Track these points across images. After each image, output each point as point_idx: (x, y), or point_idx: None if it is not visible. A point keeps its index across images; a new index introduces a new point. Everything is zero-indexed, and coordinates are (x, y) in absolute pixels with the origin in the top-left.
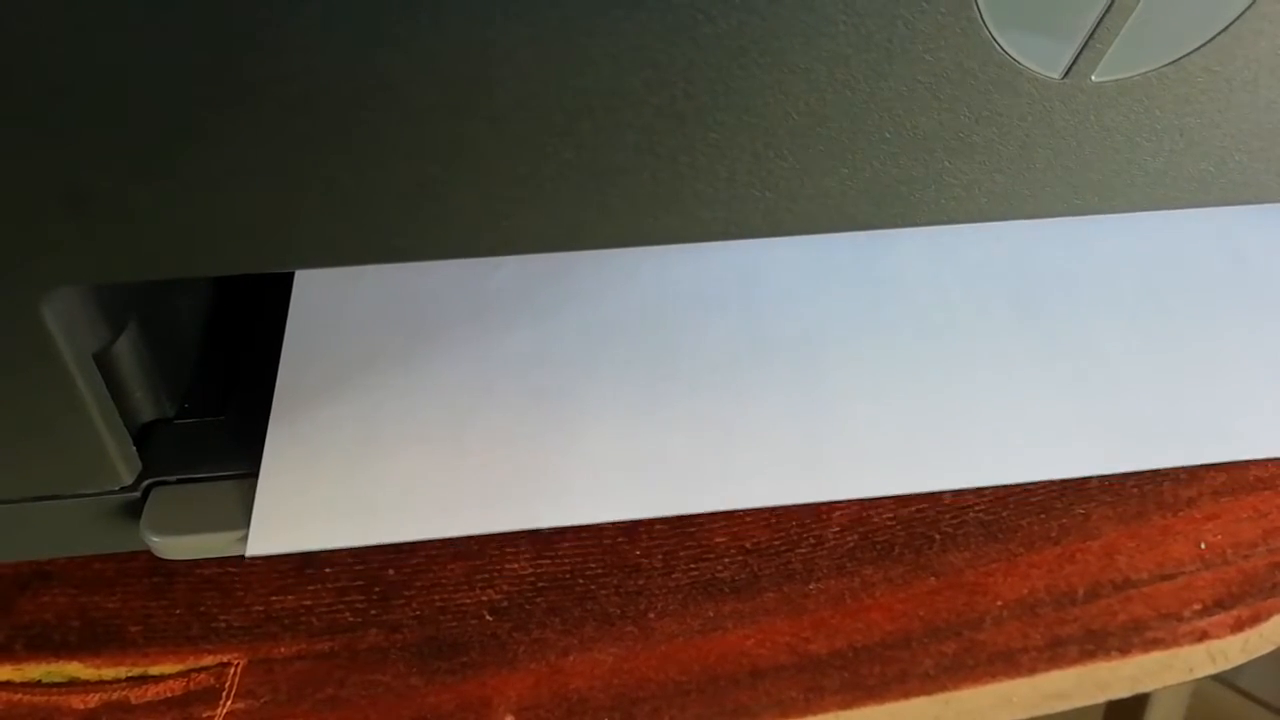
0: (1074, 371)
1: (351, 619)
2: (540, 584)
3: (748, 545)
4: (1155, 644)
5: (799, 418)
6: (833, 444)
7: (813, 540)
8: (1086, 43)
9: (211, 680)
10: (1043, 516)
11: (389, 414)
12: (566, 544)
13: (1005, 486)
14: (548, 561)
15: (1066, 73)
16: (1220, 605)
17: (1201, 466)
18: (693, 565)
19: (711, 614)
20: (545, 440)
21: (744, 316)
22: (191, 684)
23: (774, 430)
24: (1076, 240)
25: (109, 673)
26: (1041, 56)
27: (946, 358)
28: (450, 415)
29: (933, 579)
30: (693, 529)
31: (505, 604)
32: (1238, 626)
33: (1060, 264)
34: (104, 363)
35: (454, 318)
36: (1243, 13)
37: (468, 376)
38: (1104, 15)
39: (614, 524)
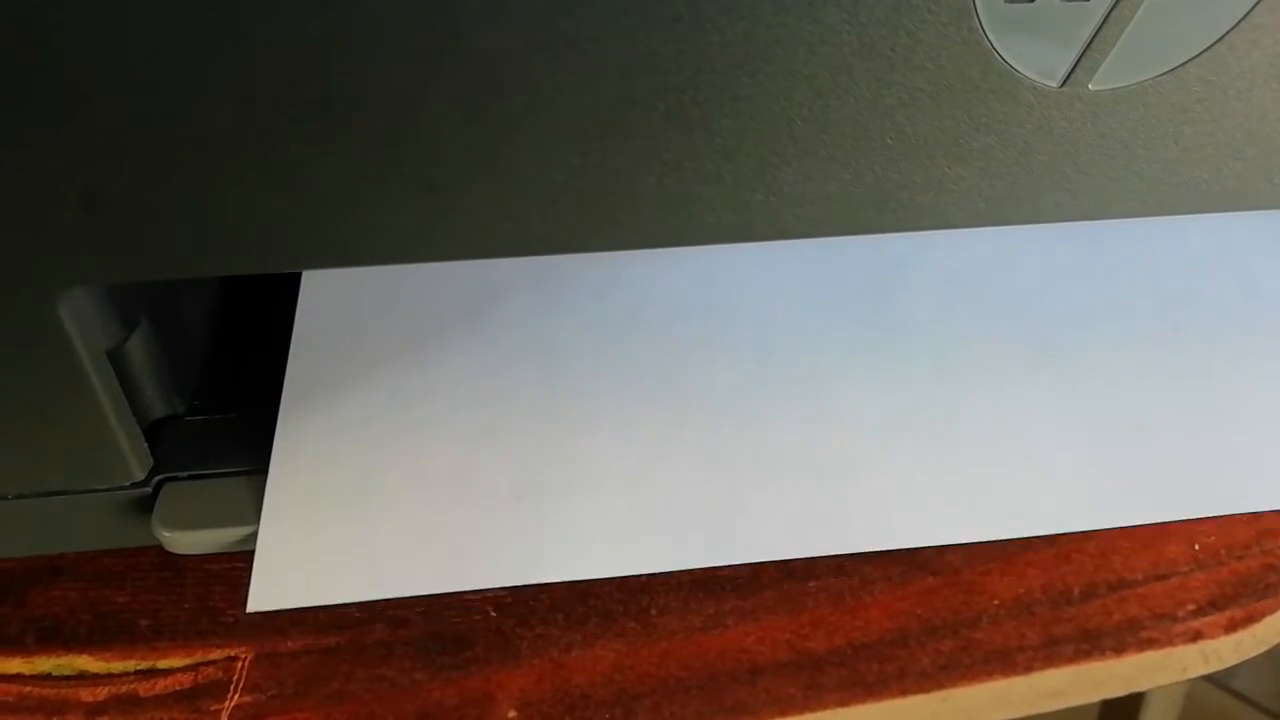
0: (1094, 415)
1: (357, 614)
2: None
3: None
4: (1149, 644)
5: (813, 467)
6: (849, 495)
7: None
8: (1084, 52)
9: (219, 674)
10: None
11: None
12: None
13: None
14: None
15: (1064, 81)
16: (1214, 606)
17: None
18: None
19: (712, 611)
20: (551, 486)
21: (755, 356)
22: (199, 677)
23: (787, 481)
24: (1090, 275)
25: (118, 666)
26: (1040, 65)
27: (963, 401)
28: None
29: (931, 578)
30: None
31: (509, 600)
32: (1231, 627)
33: (1074, 299)
34: (117, 360)
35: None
36: (1238, 23)
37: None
38: (1101, 25)
39: None
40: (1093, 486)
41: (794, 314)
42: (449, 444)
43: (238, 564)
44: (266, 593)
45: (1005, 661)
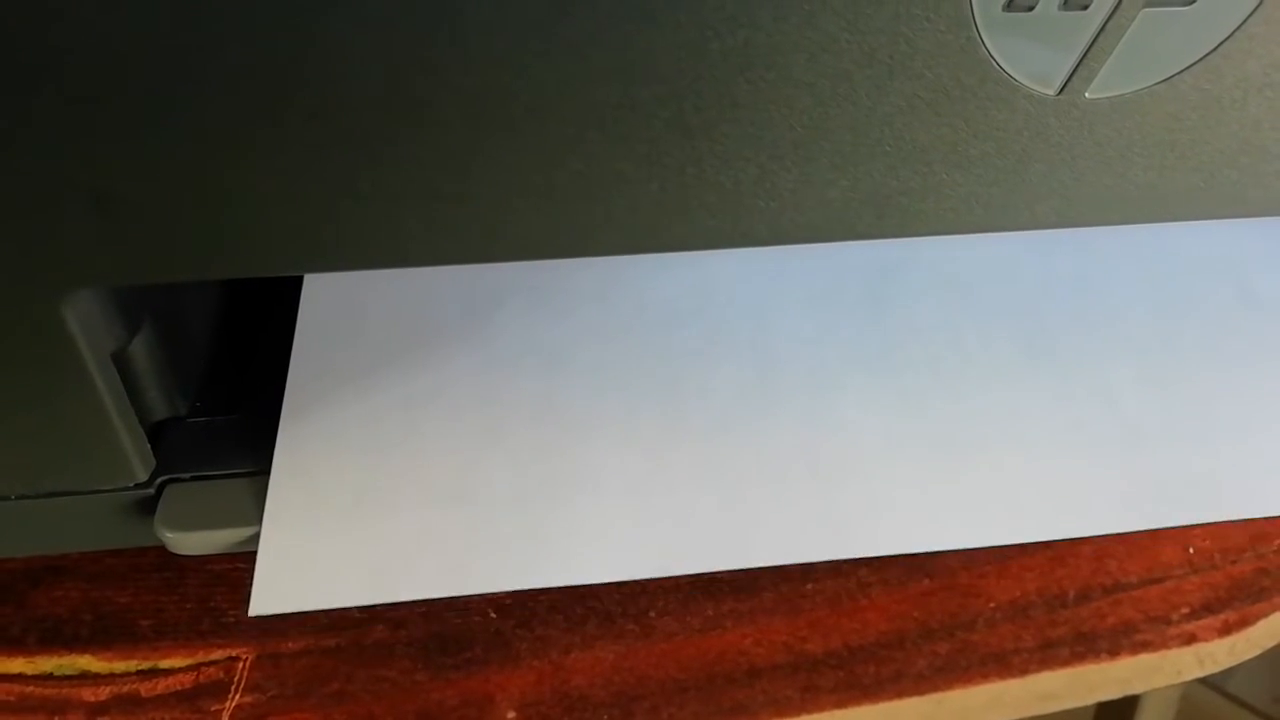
0: (1090, 422)
1: (358, 615)
2: None
3: None
4: (1144, 646)
5: (811, 471)
6: (846, 501)
7: None
8: (1081, 61)
9: (220, 674)
10: None
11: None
12: None
13: None
14: None
15: (1061, 89)
16: (1208, 609)
17: None
18: None
19: (711, 613)
20: (551, 492)
21: (754, 360)
22: (201, 677)
23: (786, 485)
24: (1088, 280)
25: (120, 666)
26: (1037, 73)
27: (961, 406)
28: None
29: (927, 580)
30: None
31: (509, 601)
32: (1225, 630)
33: (1072, 305)
34: (121, 362)
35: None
36: (1232, 33)
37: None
38: (1098, 34)
39: None
40: (1089, 493)
41: (792, 320)
42: (450, 446)
43: (239, 565)
44: (268, 597)
45: (1001, 664)
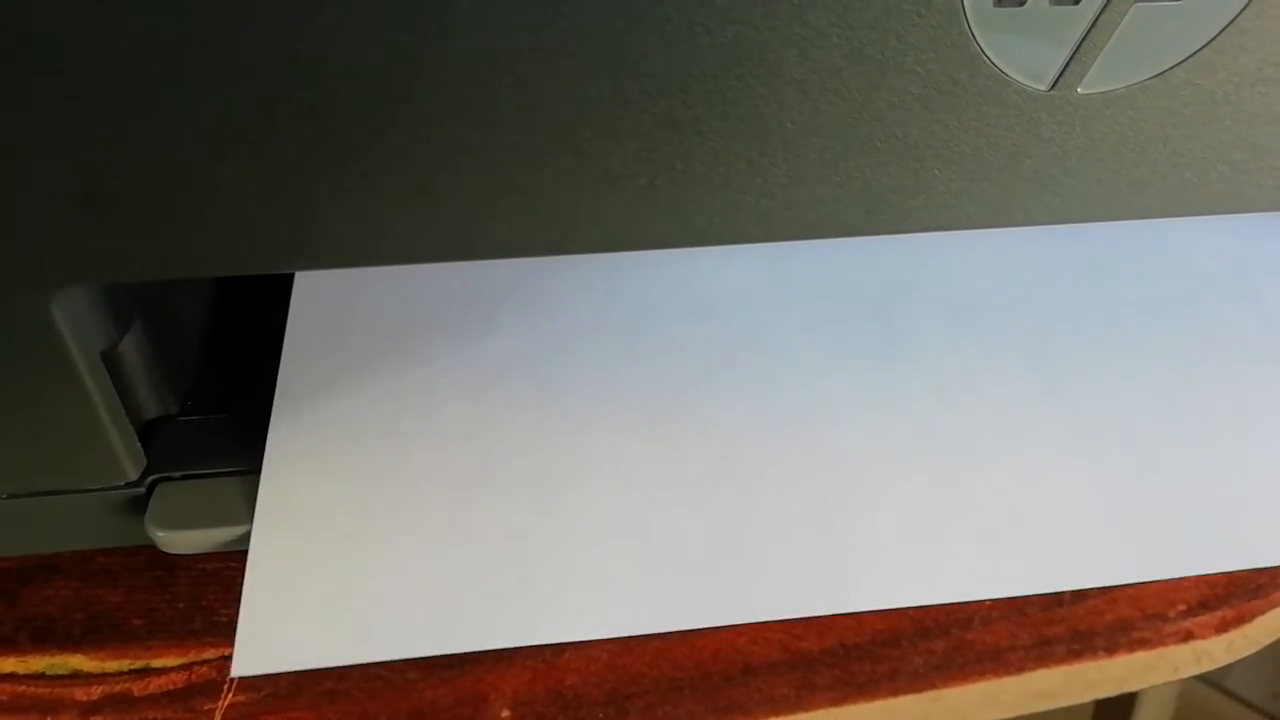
0: (1103, 455)
1: None
2: None
3: None
4: (1141, 644)
5: (816, 515)
6: (852, 550)
7: None
8: (1073, 56)
9: (213, 673)
10: None
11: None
12: None
13: None
14: None
15: (1053, 85)
16: (1205, 606)
17: None
18: None
19: None
20: (546, 539)
21: (755, 390)
22: (193, 676)
23: (789, 532)
24: (1098, 302)
25: (112, 665)
26: (1029, 69)
27: (970, 439)
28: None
29: None
30: None
31: None
32: (1222, 627)
33: (1083, 328)
34: (110, 361)
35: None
36: (1225, 28)
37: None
38: (1090, 29)
39: None
40: (1101, 541)
41: (795, 347)
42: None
43: (231, 563)
44: (251, 658)
45: (997, 662)
